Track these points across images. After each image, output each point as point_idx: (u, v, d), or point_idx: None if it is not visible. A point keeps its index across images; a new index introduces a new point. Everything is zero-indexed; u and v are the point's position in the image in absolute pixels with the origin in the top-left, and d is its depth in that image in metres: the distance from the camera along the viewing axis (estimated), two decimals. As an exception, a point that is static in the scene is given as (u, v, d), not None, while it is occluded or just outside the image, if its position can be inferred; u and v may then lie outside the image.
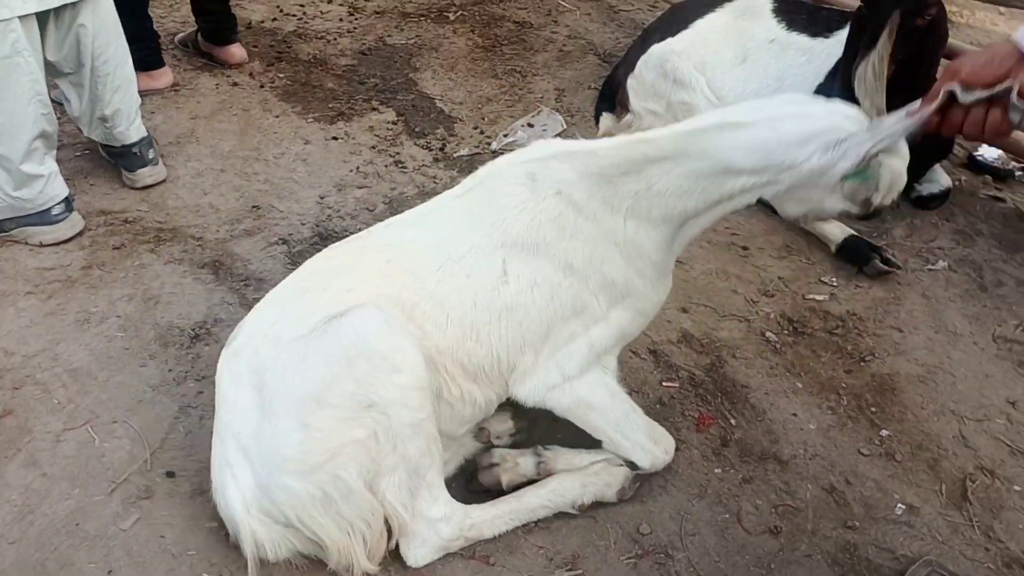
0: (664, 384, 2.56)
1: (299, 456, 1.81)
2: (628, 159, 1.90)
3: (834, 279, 3.07)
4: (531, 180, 1.98)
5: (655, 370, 2.60)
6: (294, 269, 2.90)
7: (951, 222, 3.41)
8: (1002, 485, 2.29)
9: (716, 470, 2.29)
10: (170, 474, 2.19)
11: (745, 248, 3.21)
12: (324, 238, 3.10)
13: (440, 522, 1.98)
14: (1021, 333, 2.83)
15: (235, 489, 1.88)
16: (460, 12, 5.18)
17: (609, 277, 2.00)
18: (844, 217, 2.11)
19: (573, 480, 2.13)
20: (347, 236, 3.09)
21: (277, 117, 3.90)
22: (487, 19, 5.12)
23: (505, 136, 3.83)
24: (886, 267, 3.05)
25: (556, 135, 3.82)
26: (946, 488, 2.28)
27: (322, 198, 3.36)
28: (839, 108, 1.78)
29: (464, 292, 1.95)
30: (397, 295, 1.92)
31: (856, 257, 3.11)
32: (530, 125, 3.92)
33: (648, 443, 2.17)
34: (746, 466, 2.31)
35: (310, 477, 1.82)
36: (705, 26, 3.66)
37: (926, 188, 3.45)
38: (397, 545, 1.98)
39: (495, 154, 3.70)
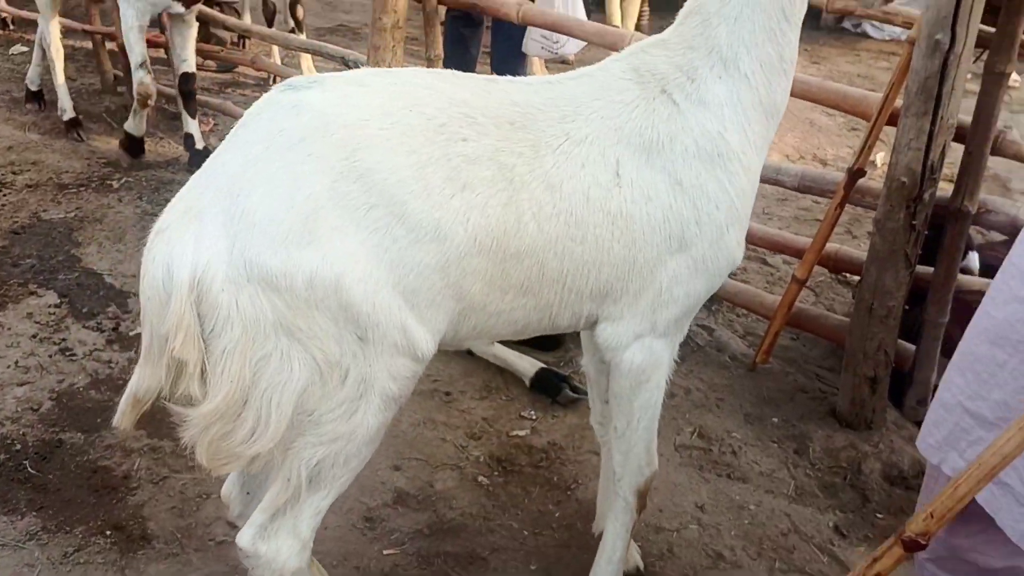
0: (385, 553, 2.48)
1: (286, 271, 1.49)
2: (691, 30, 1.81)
3: (532, 412, 3.22)
4: (636, 74, 1.81)
5: (374, 540, 2.52)
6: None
7: (624, 343, 3.75)
8: (705, 590, 2.48)
9: (448, 635, 2.24)
10: None
11: (448, 393, 3.28)
12: (-23, 452, 2.70)
13: (298, 548, 1.69)
14: (697, 439, 3.14)
15: (192, 250, 1.49)
16: (125, 179, 4.93)
17: (714, 198, 1.78)
18: None
19: None
20: (10, 446, 2.74)
21: (-93, 314, 3.39)
22: (156, 184, 4.91)
23: (187, 307, 3.63)
24: (575, 394, 3.26)
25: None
26: (660, 603, 2.42)
27: (-28, 404, 2.93)
28: None
29: (578, 181, 1.71)
30: (511, 167, 1.67)
31: (548, 388, 3.30)
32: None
33: (645, 458, 2.11)
34: (477, 623, 2.29)
35: (280, 306, 1.50)
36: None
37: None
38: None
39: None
